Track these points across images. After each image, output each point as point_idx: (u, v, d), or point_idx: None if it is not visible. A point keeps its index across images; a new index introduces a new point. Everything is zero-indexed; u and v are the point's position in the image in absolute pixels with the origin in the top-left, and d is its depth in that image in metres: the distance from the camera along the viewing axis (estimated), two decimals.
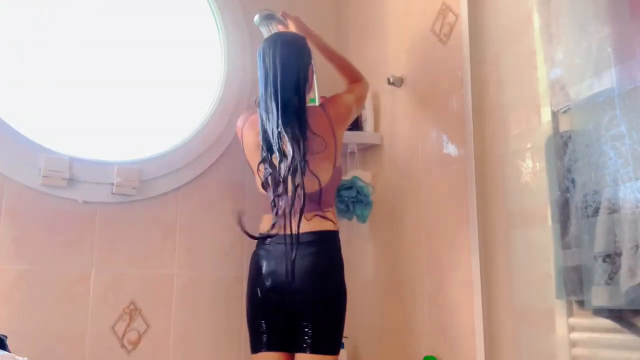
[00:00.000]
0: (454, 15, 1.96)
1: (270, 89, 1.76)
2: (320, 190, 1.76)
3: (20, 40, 1.93)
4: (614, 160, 1.38)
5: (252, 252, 1.84)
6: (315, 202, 1.75)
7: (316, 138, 1.76)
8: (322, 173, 1.78)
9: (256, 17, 1.96)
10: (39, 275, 1.82)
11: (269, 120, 1.74)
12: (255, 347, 1.77)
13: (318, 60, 1.98)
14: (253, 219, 1.87)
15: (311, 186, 1.74)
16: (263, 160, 1.75)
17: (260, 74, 1.82)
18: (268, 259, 1.76)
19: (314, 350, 1.69)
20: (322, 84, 2.02)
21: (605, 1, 1.44)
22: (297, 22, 1.96)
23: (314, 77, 1.94)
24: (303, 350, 1.70)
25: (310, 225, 1.73)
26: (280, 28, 1.96)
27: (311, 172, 1.73)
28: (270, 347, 1.74)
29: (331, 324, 1.74)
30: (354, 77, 2.01)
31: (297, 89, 1.77)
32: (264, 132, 1.76)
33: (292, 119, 1.73)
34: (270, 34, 1.95)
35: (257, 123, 1.82)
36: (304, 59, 1.84)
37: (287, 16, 1.97)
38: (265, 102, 1.77)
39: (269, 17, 1.94)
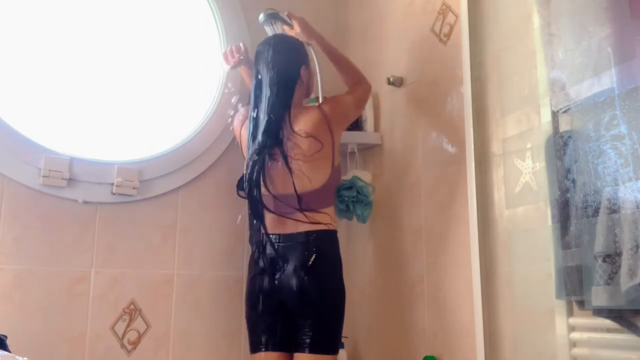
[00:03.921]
0: (454, 15, 1.96)
1: (258, 92, 1.82)
2: (317, 189, 1.77)
3: (20, 39, 1.93)
4: (614, 160, 1.38)
5: (252, 252, 1.85)
6: (313, 201, 1.75)
7: (309, 139, 1.76)
8: (319, 173, 1.78)
9: (261, 16, 1.97)
10: (39, 275, 1.82)
11: (253, 125, 1.80)
12: (254, 347, 1.77)
13: (322, 62, 1.99)
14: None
15: (307, 186, 1.74)
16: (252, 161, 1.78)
17: (252, 77, 1.88)
18: (266, 259, 1.75)
19: (313, 350, 1.69)
20: (326, 85, 2.02)
21: (605, 1, 1.44)
22: (302, 22, 1.97)
23: (318, 77, 1.95)
24: (302, 350, 1.70)
25: (308, 224, 1.73)
26: (285, 28, 1.97)
27: (304, 173, 1.74)
28: (269, 347, 1.74)
29: (330, 323, 1.74)
30: (356, 80, 2.01)
31: (284, 92, 1.80)
32: (251, 136, 1.81)
33: (274, 123, 1.76)
34: (274, 32, 1.96)
35: None
36: (294, 61, 1.87)
37: (292, 17, 1.97)
38: (255, 105, 1.81)
39: (273, 16, 1.95)
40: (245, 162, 1.82)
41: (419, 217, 2.03)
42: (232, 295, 2.11)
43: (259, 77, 1.84)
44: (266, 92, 1.80)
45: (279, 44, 1.87)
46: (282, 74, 1.81)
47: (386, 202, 2.18)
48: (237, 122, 1.97)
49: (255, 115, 1.81)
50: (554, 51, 1.57)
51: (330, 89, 2.05)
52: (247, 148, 1.86)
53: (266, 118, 1.77)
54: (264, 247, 1.76)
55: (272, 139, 1.76)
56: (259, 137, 1.77)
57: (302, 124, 1.78)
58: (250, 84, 1.93)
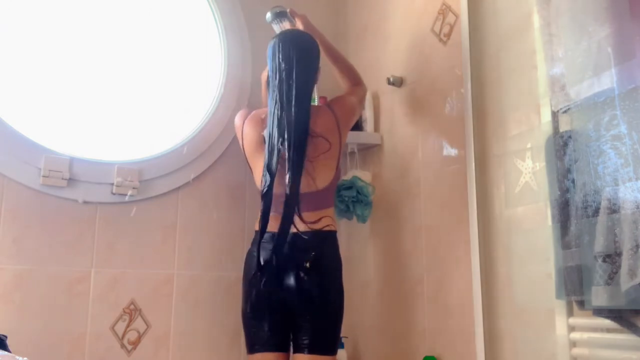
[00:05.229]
0: (454, 15, 1.96)
1: (282, 89, 1.76)
2: (321, 190, 1.77)
3: (20, 39, 1.93)
4: (614, 160, 1.39)
5: (249, 250, 1.84)
6: (315, 201, 1.74)
7: (320, 139, 1.76)
8: (325, 173, 1.78)
9: (268, 15, 1.96)
10: (39, 275, 1.82)
11: (273, 120, 1.75)
12: (252, 348, 1.76)
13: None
14: (253, 219, 1.88)
15: (311, 186, 1.74)
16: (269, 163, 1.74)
17: (270, 70, 1.83)
18: (265, 258, 1.73)
19: (312, 351, 1.69)
20: (322, 83, 2.02)
21: (605, 1, 1.44)
22: (305, 20, 1.97)
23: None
24: (301, 351, 1.70)
25: (309, 225, 1.72)
26: (289, 26, 1.96)
27: (309, 173, 1.73)
28: (268, 347, 1.73)
29: (329, 323, 1.73)
30: (355, 80, 2.03)
31: (306, 92, 1.79)
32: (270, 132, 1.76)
33: (296, 122, 1.73)
34: (281, 31, 1.94)
35: (259, 119, 1.82)
36: (316, 62, 1.86)
37: (294, 14, 1.97)
38: (275, 101, 1.77)
39: (281, 15, 1.94)
40: (268, 161, 1.75)
41: (419, 217, 2.03)
42: (232, 295, 2.11)
43: (281, 73, 1.78)
44: (290, 90, 1.76)
45: (301, 43, 1.84)
46: (305, 75, 1.80)
47: (386, 202, 2.18)
48: (239, 120, 1.95)
49: (279, 112, 1.75)
50: (554, 51, 1.57)
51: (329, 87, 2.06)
52: (252, 144, 1.84)
53: (295, 116, 1.74)
54: (265, 245, 1.73)
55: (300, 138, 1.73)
56: (290, 135, 1.72)
57: (312, 123, 1.78)
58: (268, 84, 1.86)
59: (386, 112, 2.26)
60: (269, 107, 1.80)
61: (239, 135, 1.94)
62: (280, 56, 1.79)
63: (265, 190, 1.71)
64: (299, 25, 1.96)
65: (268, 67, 1.85)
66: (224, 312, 2.10)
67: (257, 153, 1.84)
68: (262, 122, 1.84)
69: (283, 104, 1.75)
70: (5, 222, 1.79)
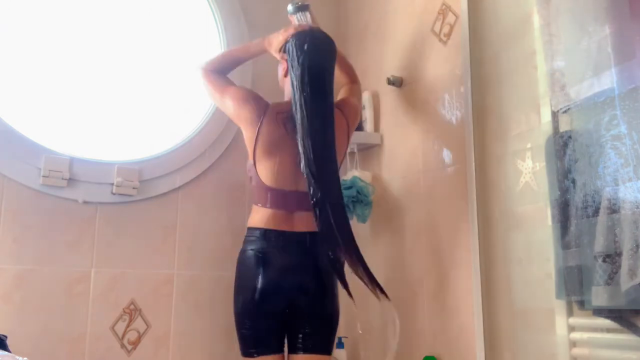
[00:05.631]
0: (454, 15, 1.96)
1: (307, 92, 1.71)
2: None
3: (21, 40, 1.93)
4: (614, 160, 1.39)
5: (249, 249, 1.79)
6: None
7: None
8: None
9: (290, 7, 1.91)
10: (39, 275, 1.82)
11: (301, 124, 1.70)
12: (248, 352, 1.71)
13: None
14: None
15: None
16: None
17: (294, 72, 1.75)
18: (266, 257, 1.70)
19: (309, 350, 1.69)
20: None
21: (605, 1, 1.44)
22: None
23: None
24: (297, 351, 1.70)
25: (308, 224, 1.71)
26: (310, 19, 1.92)
27: None
28: (266, 351, 1.70)
29: (327, 323, 1.74)
30: (353, 77, 2.03)
31: (330, 95, 1.77)
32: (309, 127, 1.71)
33: (323, 125, 1.71)
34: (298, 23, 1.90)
35: (282, 116, 1.78)
36: (334, 64, 1.85)
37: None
38: (300, 105, 1.71)
39: (303, 8, 1.90)
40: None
41: (419, 217, 2.03)
42: (231, 294, 2.10)
43: (314, 71, 1.74)
44: (322, 91, 1.74)
45: (331, 45, 1.84)
46: (331, 84, 1.79)
47: (386, 202, 2.18)
48: (252, 106, 1.81)
49: (309, 107, 1.70)
50: (554, 51, 1.57)
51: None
52: (271, 140, 1.78)
53: (327, 117, 1.73)
54: (265, 244, 1.71)
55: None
56: (326, 133, 1.71)
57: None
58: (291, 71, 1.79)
59: (386, 112, 2.26)
60: (295, 98, 1.72)
61: (240, 104, 1.84)
62: (313, 56, 1.75)
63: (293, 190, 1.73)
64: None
65: (294, 59, 1.76)
66: (224, 312, 2.10)
67: (272, 148, 1.77)
68: (284, 119, 1.78)
69: (308, 104, 1.70)
70: (5, 222, 1.79)
